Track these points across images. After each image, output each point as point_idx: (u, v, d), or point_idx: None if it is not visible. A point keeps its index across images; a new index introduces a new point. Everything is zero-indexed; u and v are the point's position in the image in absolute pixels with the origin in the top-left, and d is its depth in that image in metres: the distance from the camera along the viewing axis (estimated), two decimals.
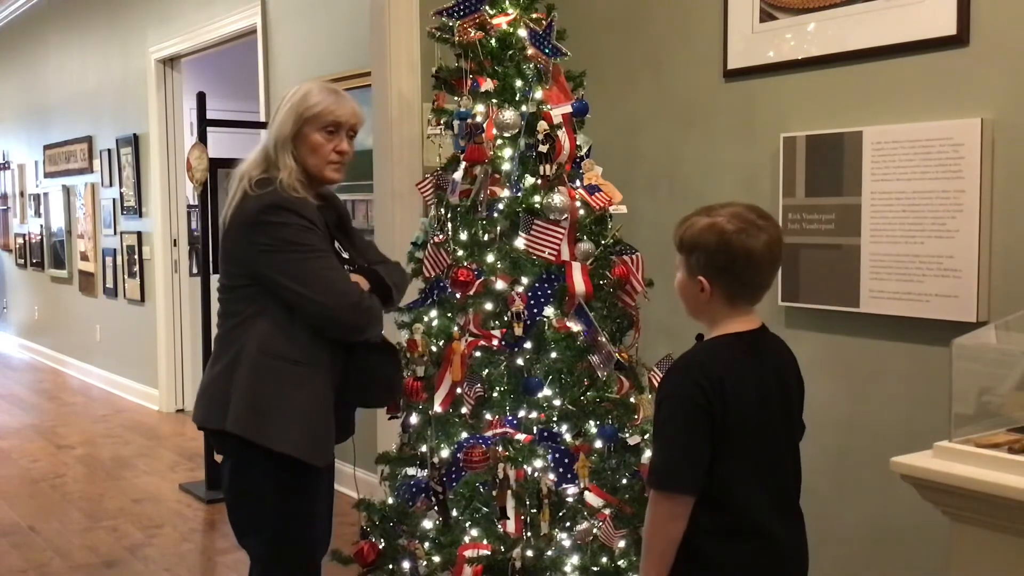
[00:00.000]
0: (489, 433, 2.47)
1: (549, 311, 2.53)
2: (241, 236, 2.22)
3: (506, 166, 2.63)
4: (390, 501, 2.74)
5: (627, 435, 2.57)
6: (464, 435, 2.54)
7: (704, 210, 1.83)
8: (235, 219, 2.23)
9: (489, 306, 2.58)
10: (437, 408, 2.56)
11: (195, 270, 6.64)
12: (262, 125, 5.05)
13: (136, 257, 7.05)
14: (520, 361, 2.54)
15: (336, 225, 2.41)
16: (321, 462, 2.25)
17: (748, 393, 1.77)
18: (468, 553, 2.42)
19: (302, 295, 2.18)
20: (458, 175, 2.62)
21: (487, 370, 2.57)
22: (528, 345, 2.52)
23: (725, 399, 1.74)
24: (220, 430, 2.24)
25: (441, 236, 2.68)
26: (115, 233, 7.38)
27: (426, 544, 2.57)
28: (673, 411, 1.77)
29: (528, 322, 2.49)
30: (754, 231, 1.77)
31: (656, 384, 2.57)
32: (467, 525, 2.54)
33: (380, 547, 2.70)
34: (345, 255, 2.44)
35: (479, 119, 2.62)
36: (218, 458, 2.45)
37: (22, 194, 9.62)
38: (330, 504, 2.52)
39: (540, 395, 2.51)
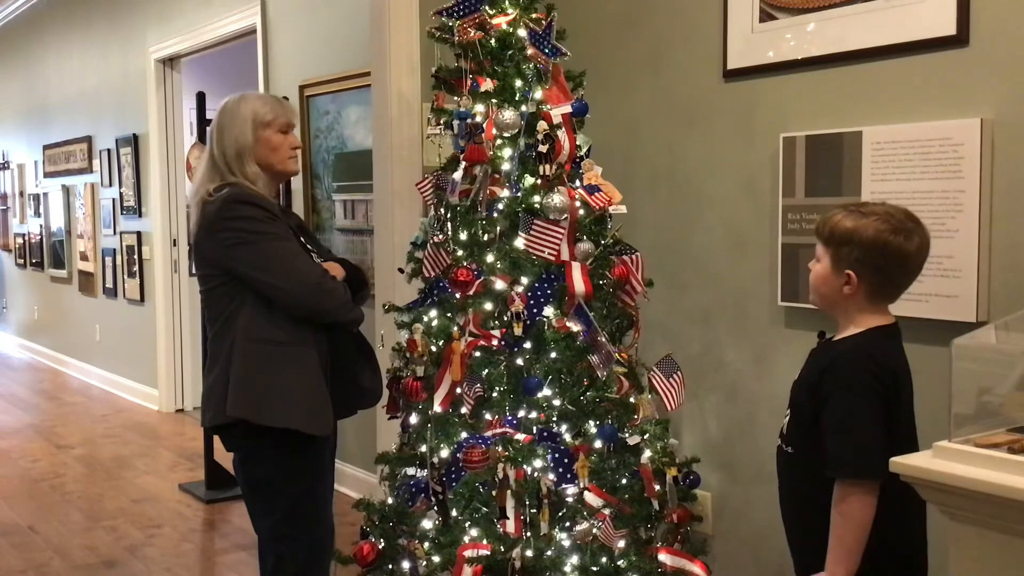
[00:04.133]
0: (489, 433, 2.47)
1: (549, 311, 2.53)
2: (207, 236, 2.38)
3: (506, 166, 2.63)
4: (390, 501, 2.74)
5: (627, 435, 2.57)
6: (464, 435, 2.54)
7: (854, 207, 1.90)
8: (200, 224, 2.39)
9: (489, 306, 2.58)
10: (437, 408, 2.55)
11: (194, 270, 6.63)
12: None
13: (136, 257, 7.05)
14: (520, 361, 2.54)
15: (297, 226, 2.60)
16: (321, 431, 2.39)
17: (908, 383, 1.89)
18: (468, 553, 2.42)
19: (266, 281, 2.33)
20: (458, 175, 2.62)
21: (487, 370, 2.57)
22: (528, 345, 2.52)
23: (899, 389, 1.84)
24: (224, 425, 2.38)
25: (441, 236, 2.68)
26: (115, 233, 7.38)
27: (426, 544, 2.57)
28: (855, 400, 1.82)
29: (528, 322, 2.49)
30: (909, 232, 1.84)
31: (658, 383, 2.59)
32: (467, 525, 2.54)
33: (380, 547, 2.70)
34: (312, 250, 2.56)
35: (479, 119, 2.62)
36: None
37: (22, 194, 9.62)
38: (330, 487, 2.64)
39: (540, 395, 2.51)
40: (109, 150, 7.35)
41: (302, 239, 2.53)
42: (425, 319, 2.71)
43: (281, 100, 2.57)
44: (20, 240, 9.65)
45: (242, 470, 2.47)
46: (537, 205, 2.54)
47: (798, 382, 2.00)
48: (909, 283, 1.91)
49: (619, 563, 2.50)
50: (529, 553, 2.42)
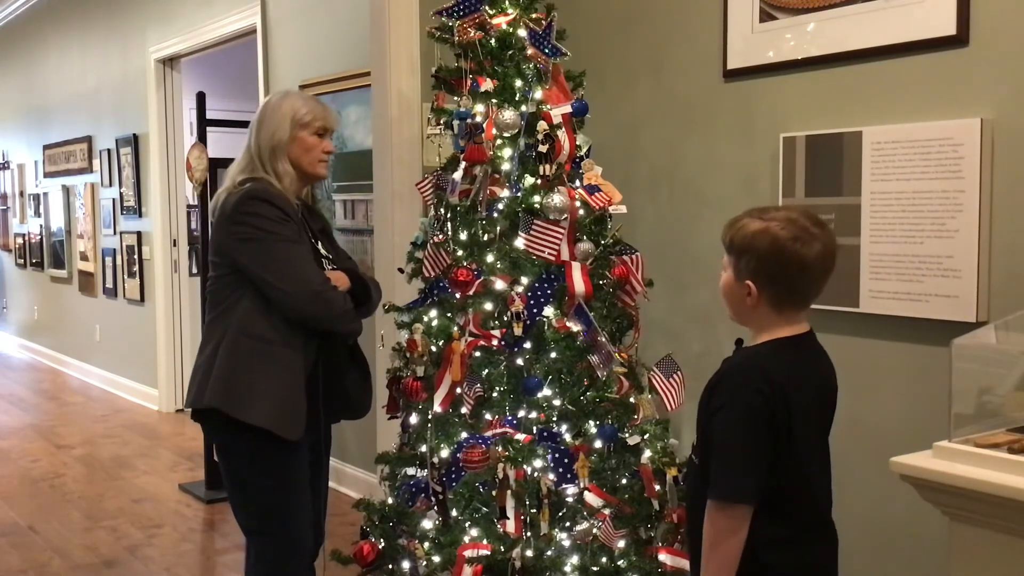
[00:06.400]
0: (489, 433, 2.47)
1: (549, 311, 2.53)
2: (222, 227, 2.40)
3: (506, 166, 2.63)
4: (390, 501, 2.74)
5: (627, 435, 2.57)
6: (464, 435, 2.54)
7: (757, 212, 1.79)
8: (220, 214, 2.41)
9: (489, 306, 2.58)
10: (437, 408, 2.56)
11: (195, 270, 6.64)
12: None
13: (136, 257, 7.05)
14: (520, 361, 2.54)
15: (320, 230, 2.60)
16: (290, 435, 2.38)
17: (808, 398, 1.76)
18: (468, 553, 2.42)
19: (266, 280, 2.35)
20: (458, 175, 2.62)
21: (487, 370, 2.57)
22: (528, 345, 2.52)
23: (789, 406, 1.70)
24: (204, 412, 2.41)
25: (441, 236, 2.68)
26: (115, 233, 7.38)
27: (426, 544, 2.57)
28: (734, 419, 1.72)
29: (528, 322, 2.49)
30: (808, 239, 1.72)
31: (658, 383, 2.58)
32: (467, 525, 2.54)
33: (380, 547, 2.70)
34: (330, 255, 2.56)
35: (479, 119, 2.62)
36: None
37: (22, 194, 9.62)
38: (320, 490, 2.62)
39: (540, 395, 2.51)
40: (109, 150, 7.35)
41: (319, 244, 2.53)
42: (425, 319, 2.71)
43: (323, 104, 2.56)
44: (20, 240, 9.64)
45: (220, 461, 2.51)
46: (537, 205, 2.54)
47: (703, 391, 1.87)
48: (815, 290, 1.78)
49: (619, 563, 2.50)
50: (529, 553, 2.42)
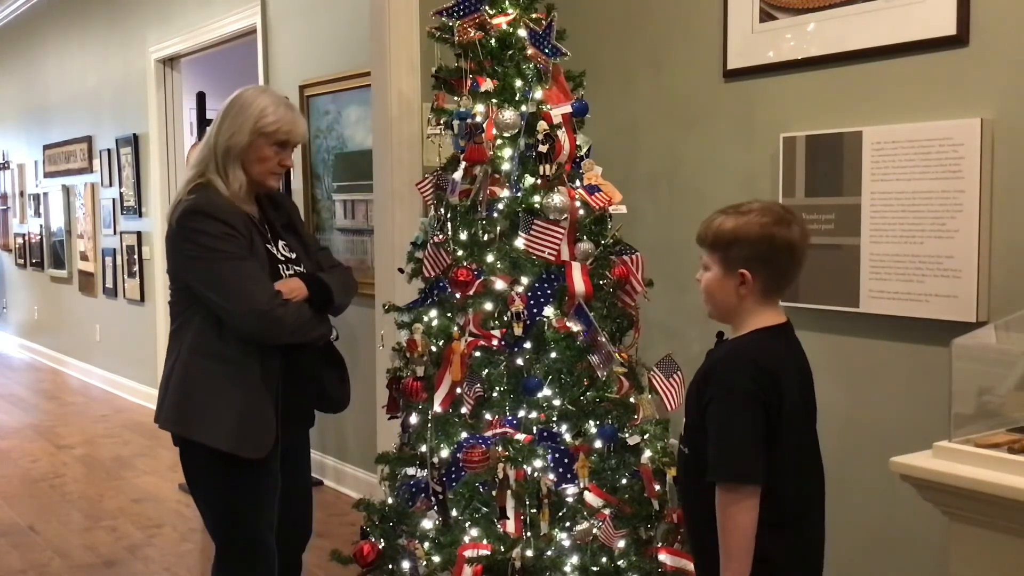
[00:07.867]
0: (489, 433, 2.47)
1: (549, 311, 2.53)
2: (172, 241, 2.34)
3: (506, 166, 2.63)
4: (390, 501, 2.74)
5: (627, 435, 2.58)
6: (464, 435, 2.54)
7: (731, 209, 1.89)
8: (169, 225, 2.35)
9: (489, 306, 2.58)
10: (437, 408, 2.55)
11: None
12: None
13: (136, 257, 7.05)
14: (520, 361, 2.54)
15: (285, 226, 2.52)
16: (251, 454, 2.33)
17: (794, 384, 1.84)
18: (468, 553, 2.42)
19: (212, 300, 2.29)
20: (458, 175, 2.62)
21: (487, 370, 2.57)
22: (528, 345, 2.52)
23: (780, 391, 1.79)
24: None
25: (441, 236, 2.68)
26: (115, 233, 7.38)
27: (426, 544, 2.57)
28: (731, 405, 1.80)
29: (528, 322, 2.49)
30: (788, 222, 1.85)
31: (658, 383, 2.59)
32: (467, 525, 2.54)
33: (380, 547, 2.70)
34: (292, 254, 2.48)
35: (479, 119, 2.62)
36: None
37: (22, 194, 9.62)
38: (300, 492, 2.58)
39: (540, 395, 2.51)
40: (109, 150, 7.35)
41: (279, 244, 2.45)
42: (425, 319, 2.71)
43: (295, 113, 2.45)
44: (20, 240, 9.64)
45: (183, 469, 2.46)
46: (537, 205, 2.54)
47: (691, 382, 1.95)
48: (796, 273, 1.90)
49: (619, 563, 2.50)
50: (529, 553, 2.42)
